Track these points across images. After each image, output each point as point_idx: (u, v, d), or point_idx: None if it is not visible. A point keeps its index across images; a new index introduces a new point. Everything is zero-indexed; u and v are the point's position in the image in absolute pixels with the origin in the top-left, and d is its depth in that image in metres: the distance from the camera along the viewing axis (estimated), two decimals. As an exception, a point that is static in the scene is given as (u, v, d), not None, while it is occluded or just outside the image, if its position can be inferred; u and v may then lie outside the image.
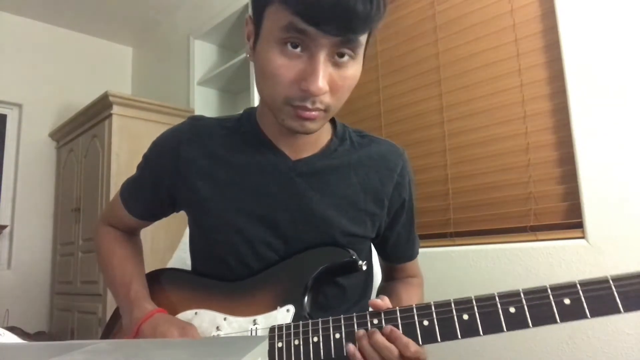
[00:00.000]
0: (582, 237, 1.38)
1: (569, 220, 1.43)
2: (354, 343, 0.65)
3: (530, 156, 1.54)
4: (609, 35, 1.35)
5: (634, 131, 1.30)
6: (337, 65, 0.64)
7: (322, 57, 0.62)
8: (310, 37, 0.60)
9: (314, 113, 0.66)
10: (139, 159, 0.89)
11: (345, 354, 0.66)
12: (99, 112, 2.78)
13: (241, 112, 0.86)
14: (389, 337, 0.63)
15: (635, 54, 1.31)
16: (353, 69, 0.66)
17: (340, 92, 0.66)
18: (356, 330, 0.66)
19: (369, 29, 0.62)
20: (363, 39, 0.64)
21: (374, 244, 0.90)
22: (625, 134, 1.31)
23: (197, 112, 2.91)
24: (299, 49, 0.62)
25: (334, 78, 0.64)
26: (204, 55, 3.04)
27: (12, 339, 0.55)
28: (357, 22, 0.59)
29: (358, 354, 0.64)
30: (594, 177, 1.35)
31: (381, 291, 0.94)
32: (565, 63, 1.43)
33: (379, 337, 0.63)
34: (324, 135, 0.81)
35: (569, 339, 1.36)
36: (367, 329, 0.65)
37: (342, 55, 0.63)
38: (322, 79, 0.62)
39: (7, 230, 3.12)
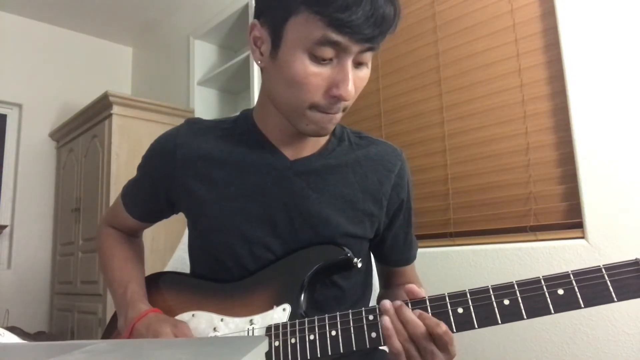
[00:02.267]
0: (582, 237, 1.38)
1: (569, 220, 1.43)
2: (377, 328, 0.65)
3: (530, 156, 1.54)
4: (609, 35, 1.35)
5: (634, 131, 1.30)
6: (357, 68, 0.68)
7: (350, 63, 0.65)
8: (342, 47, 0.63)
9: (337, 115, 0.70)
10: (139, 159, 0.89)
11: (365, 346, 0.65)
12: (99, 112, 2.78)
13: (237, 113, 0.86)
14: (419, 318, 0.62)
15: (636, 54, 1.31)
16: (368, 69, 0.70)
17: (357, 91, 0.69)
18: (352, 326, 0.66)
19: (392, 31, 0.65)
20: None
21: (370, 247, 0.89)
22: (625, 134, 1.31)
23: (197, 112, 2.92)
24: (330, 56, 0.64)
25: (355, 80, 0.67)
26: (204, 55, 3.04)
27: (12, 339, 0.55)
28: (387, 29, 0.63)
29: (392, 327, 0.62)
30: (594, 177, 1.35)
31: (383, 298, 0.93)
32: (565, 63, 1.43)
33: (408, 312, 0.63)
34: None
35: (569, 339, 1.36)
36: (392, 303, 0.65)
37: (362, 60, 0.67)
38: (351, 84, 0.65)
39: (7, 230, 3.12)
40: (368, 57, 0.67)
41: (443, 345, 0.60)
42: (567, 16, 1.43)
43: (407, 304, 0.65)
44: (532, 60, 1.55)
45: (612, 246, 1.31)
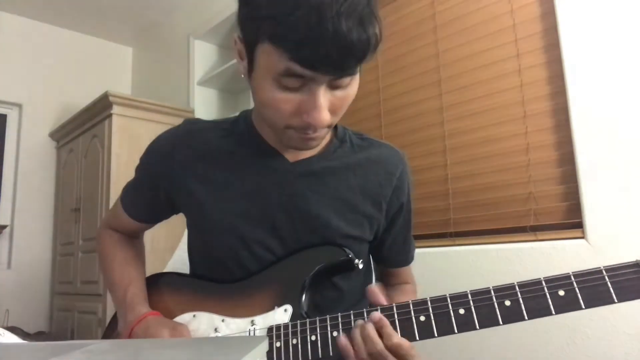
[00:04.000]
0: (582, 237, 1.37)
1: (569, 220, 1.43)
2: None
3: (530, 156, 1.54)
4: (609, 35, 1.35)
5: (634, 131, 1.30)
6: (335, 87, 0.63)
7: (321, 91, 0.61)
8: (309, 78, 0.60)
9: (318, 134, 0.67)
10: (139, 160, 0.89)
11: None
12: (99, 112, 2.78)
13: (237, 114, 0.86)
14: (377, 325, 0.64)
15: (635, 53, 1.31)
16: (353, 86, 0.66)
17: (341, 110, 0.67)
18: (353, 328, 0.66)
19: (367, 57, 0.60)
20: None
21: (369, 248, 0.89)
22: (625, 134, 1.31)
23: (197, 112, 2.91)
24: (297, 85, 0.61)
25: (334, 102, 0.64)
26: (204, 55, 3.04)
27: (12, 339, 0.55)
28: (356, 57, 0.58)
29: (349, 346, 0.64)
30: (594, 177, 1.35)
31: None
32: (565, 63, 1.43)
33: (370, 328, 0.64)
34: None
35: (569, 339, 1.36)
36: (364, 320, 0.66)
37: (339, 84, 0.63)
38: (324, 111, 0.62)
39: (7, 230, 3.12)
40: (346, 81, 0.63)
41: (401, 357, 0.62)
42: (567, 16, 1.43)
43: (409, 305, 0.65)
44: (532, 60, 1.55)
45: (612, 246, 1.31)
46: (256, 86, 0.65)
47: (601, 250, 1.33)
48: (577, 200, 1.39)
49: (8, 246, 3.14)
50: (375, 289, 0.67)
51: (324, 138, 0.71)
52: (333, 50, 0.55)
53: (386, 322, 0.63)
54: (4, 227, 3.08)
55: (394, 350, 0.62)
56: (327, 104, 0.63)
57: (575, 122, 1.40)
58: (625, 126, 1.31)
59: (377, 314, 0.64)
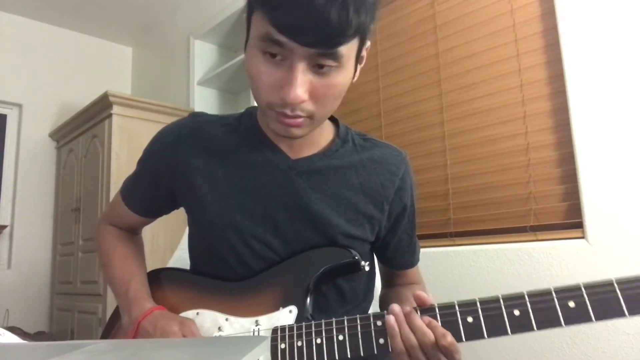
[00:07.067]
0: (582, 237, 1.37)
1: (569, 220, 1.43)
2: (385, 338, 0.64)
3: (530, 156, 1.54)
4: (609, 36, 1.35)
5: (634, 131, 1.30)
6: (319, 73, 0.63)
7: (300, 66, 0.61)
8: (287, 48, 0.60)
9: (298, 120, 0.66)
10: (142, 151, 0.88)
11: (373, 352, 0.64)
12: (99, 112, 2.77)
13: (243, 110, 0.86)
14: (428, 326, 0.62)
15: (635, 54, 1.31)
16: (340, 77, 0.65)
17: (324, 99, 0.65)
18: (359, 332, 0.66)
19: (348, 39, 0.60)
20: (345, 49, 0.61)
21: (374, 250, 0.89)
22: (625, 134, 1.31)
23: (197, 112, 2.91)
24: (278, 57, 0.62)
25: (316, 86, 0.63)
26: (204, 55, 3.03)
27: (12, 339, 0.55)
28: (332, 34, 0.58)
29: (396, 327, 0.62)
30: (594, 177, 1.35)
31: (385, 297, 0.93)
32: (565, 63, 1.43)
33: (418, 320, 0.62)
34: (325, 135, 0.81)
35: (569, 339, 1.36)
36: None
37: (322, 66, 0.62)
38: (299, 89, 0.61)
39: (7, 230, 3.12)
40: (328, 62, 0.62)
41: (450, 354, 0.61)
42: (567, 16, 1.43)
43: (416, 311, 0.64)
44: (532, 60, 1.55)
45: (612, 246, 1.31)
46: (246, 59, 0.68)
47: (601, 250, 1.33)
48: (577, 200, 1.39)
49: (8, 246, 3.14)
50: (423, 297, 0.65)
51: (309, 129, 0.69)
52: (306, 19, 0.57)
53: (435, 323, 0.62)
54: (4, 227, 3.08)
55: (445, 348, 0.60)
56: (306, 85, 0.62)
57: (575, 122, 1.40)
58: (625, 126, 1.31)
59: (425, 318, 0.62)
